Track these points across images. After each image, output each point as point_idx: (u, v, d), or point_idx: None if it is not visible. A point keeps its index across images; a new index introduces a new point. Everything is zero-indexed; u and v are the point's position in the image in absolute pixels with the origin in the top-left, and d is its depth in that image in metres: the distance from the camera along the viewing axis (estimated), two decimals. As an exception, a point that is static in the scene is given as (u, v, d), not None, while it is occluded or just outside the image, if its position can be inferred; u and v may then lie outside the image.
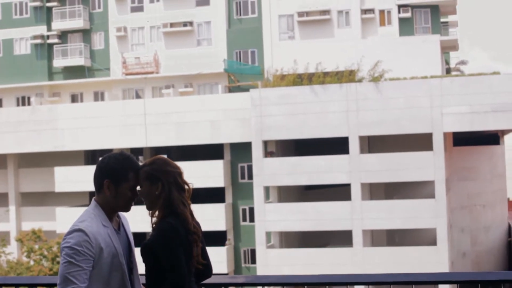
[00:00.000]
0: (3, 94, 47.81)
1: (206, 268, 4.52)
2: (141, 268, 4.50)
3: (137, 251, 4.48)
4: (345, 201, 38.23)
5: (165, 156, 4.62)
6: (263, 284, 5.25)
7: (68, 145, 43.34)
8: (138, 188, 4.41)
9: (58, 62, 46.55)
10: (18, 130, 44.07)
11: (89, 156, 45.83)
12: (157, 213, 4.39)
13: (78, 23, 46.11)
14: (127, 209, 4.44)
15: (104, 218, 4.37)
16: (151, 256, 4.28)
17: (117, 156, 4.44)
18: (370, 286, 5.03)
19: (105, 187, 4.36)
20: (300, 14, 42.63)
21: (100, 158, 4.50)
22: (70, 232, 4.26)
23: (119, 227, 4.51)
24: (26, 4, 47.14)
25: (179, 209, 4.34)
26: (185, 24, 44.43)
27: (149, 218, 4.49)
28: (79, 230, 4.25)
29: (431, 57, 40.60)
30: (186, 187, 4.43)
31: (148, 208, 4.40)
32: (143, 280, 4.53)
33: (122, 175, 4.36)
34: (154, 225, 4.37)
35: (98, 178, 4.40)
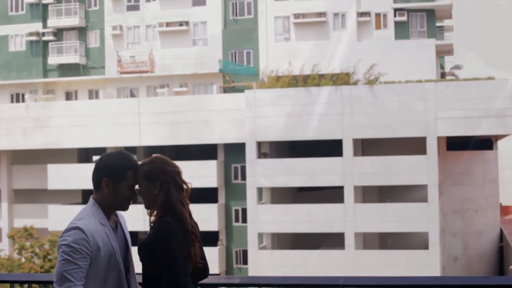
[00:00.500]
0: (-3, 91, 47.72)
1: (203, 268, 4.53)
2: (137, 267, 4.50)
3: (133, 250, 4.47)
4: (338, 204, 38.24)
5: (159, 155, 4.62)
6: (259, 285, 5.25)
7: (62, 143, 43.24)
8: (136, 187, 4.41)
9: (53, 60, 46.47)
10: (12, 126, 43.97)
11: (83, 154, 45.75)
12: (155, 212, 4.39)
13: (74, 20, 46.04)
14: (125, 208, 4.44)
15: (102, 216, 4.37)
16: (148, 255, 4.27)
17: (116, 154, 4.44)
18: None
19: (104, 185, 4.36)
20: (296, 15, 42.63)
21: (99, 157, 4.49)
22: (67, 230, 4.25)
23: (117, 226, 4.50)
24: (22, 0, 47.05)
25: (177, 208, 4.34)
26: (181, 24, 44.40)
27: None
28: (77, 228, 4.24)
29: (426, 61, 40.67)
30: (185, 186, 4.43)
31: (147, 207, 4.40)
32: (139, 279, 4.52)
33: (121, 174, 4.36)
34: (152, 224, 4.37)
35: (97, 176, 4.39)
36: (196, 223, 4.46)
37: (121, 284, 4.39)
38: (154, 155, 4.50)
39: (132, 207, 4.53)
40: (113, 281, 4.35)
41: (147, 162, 4.42)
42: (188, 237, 4.34)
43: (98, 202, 4.39)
